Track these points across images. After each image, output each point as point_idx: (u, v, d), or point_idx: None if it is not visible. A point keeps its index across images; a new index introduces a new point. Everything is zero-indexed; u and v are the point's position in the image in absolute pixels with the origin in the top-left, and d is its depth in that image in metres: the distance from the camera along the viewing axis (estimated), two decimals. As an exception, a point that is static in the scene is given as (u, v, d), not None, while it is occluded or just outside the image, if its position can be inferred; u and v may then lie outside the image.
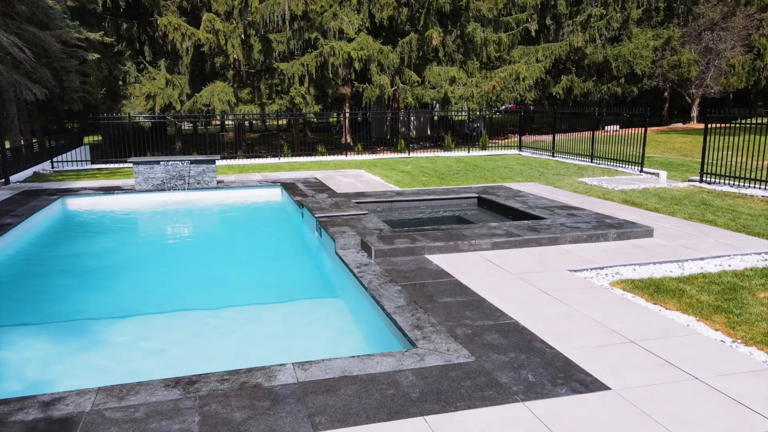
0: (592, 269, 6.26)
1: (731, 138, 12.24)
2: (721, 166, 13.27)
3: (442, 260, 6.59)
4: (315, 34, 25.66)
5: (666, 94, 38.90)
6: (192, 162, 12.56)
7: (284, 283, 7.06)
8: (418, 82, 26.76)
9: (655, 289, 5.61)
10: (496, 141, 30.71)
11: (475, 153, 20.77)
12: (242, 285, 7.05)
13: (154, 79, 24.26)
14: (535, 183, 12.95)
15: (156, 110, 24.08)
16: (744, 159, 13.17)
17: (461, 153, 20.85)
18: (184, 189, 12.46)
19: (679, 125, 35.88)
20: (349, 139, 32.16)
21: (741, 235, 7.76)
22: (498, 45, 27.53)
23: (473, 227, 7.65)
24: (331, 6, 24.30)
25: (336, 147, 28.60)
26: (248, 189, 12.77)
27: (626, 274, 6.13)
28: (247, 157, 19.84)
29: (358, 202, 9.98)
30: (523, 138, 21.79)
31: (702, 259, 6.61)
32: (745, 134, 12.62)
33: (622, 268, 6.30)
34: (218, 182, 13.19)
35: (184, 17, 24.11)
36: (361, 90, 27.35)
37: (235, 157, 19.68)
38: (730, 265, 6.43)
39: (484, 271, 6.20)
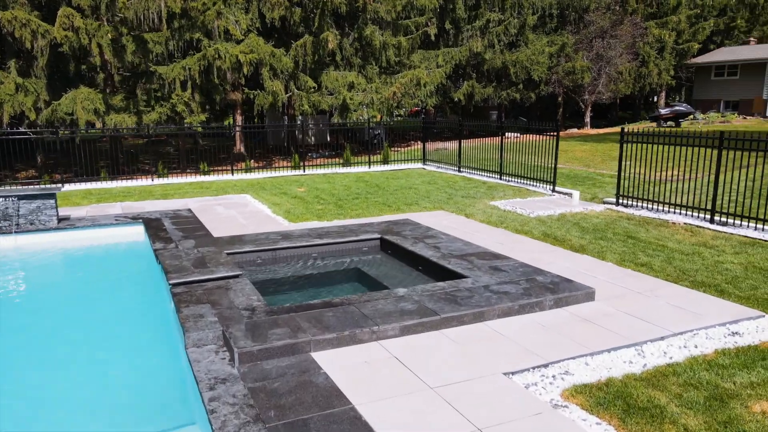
0: (534, 368, 4.70)
1: (641, 150, 11.52)
2: (630, 180, 12.52)
3: (334, 363, 4.77)
4: (198, 35, 23.01)
5: (560, 99, 39.58)
6: (22, 198, 9.88)
7: (112, 407, 4.92)
8: (314, 88, 24.82)
9: (625, 408, 4.11)
10: (398, 148, 29.40)
11: (377, 168, 19.16)
12: (45, 411, 4.83)
13: (1, 83, 20.58)
14: (445, 211, 11.48)
15: (5, 120, 20.42)
16: (652, 173, 12.47)
17: (361, 168, 19.17)
18: (12, 232, 9.76)
19: (575, 131, 36.48)
20: (241, 149, 29.60)
21: (689, 291, 6.59)
22: (398, 49, 26.19)
23: (376, 299, 5.89)
24: (214, 3, 21.75)
25: (229, 156, 26.05)
26: (100, 228, 10.26)
27: (579, 375, 4.62)
28: (114, 178, 16.97)
29: (231, 253, 7.93)
30: (426, 145, 20.47)
31: (662, 338, 5.26)
32: (656, 148, 11.95)
33: (571, 364, 4.79)
34: (61, 220, 10.56)
35: (37, 11, 20.62)
36: (252, 97, 25.02)
37: (98, 179, 16.76)
38: (696, 347, 5.12)
39: (392, 384, 4.45)
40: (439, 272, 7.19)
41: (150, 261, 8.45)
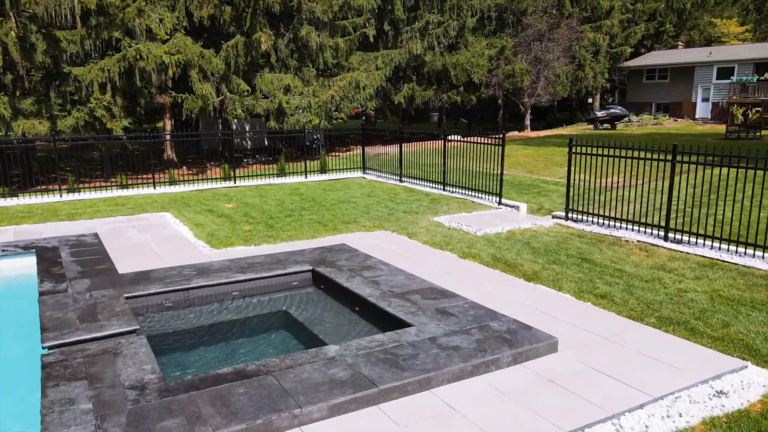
0: (495, 463, 3.77)
1: (589, 159, 10.97)
2: (577, 188, 11.96)
3: (242, 467, 3.69)
4: (117, 34, 21.14)
5: (500, 101, 39.51)
6: None
7: None
8: (248, 91, 23.39)
9: None
10: (338, 153, 28.32)
11: (314, 178, 18.02)
12: None
13: None
14: (385, 231, 10.51)
15: None
16: (599, 180, 11.94)
17: (297, 178, 17.98)
18: None
19: (516, 133, 36.38)
20: (172, 155, 27.77)
21: (658, 334, 5.86)
22: (335, 51, 25.08)
23: (301, 364, 4.83)
24: (134, 0, 20.01)
25: (160, 162, 24.29)
26: (-19, 263, 8.72)
27: (550, 469, 3.73)
28: (14, 195, 15.05)
29: (132, 297, 6.66)
30: (366, 149, 19.50)
31: (641, 406, 4.45)
32: (600, 160, 11.41)
33: (539, 452, 3.89)
34: (-67, 253, 8.92)
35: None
36: (180, 100, 23.30)
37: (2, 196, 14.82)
38: (681, 415, 4.34)
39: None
40: (378, 316, 6.19)
41: (35, 309, 7.05)
